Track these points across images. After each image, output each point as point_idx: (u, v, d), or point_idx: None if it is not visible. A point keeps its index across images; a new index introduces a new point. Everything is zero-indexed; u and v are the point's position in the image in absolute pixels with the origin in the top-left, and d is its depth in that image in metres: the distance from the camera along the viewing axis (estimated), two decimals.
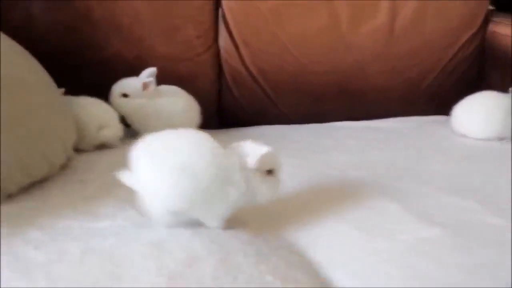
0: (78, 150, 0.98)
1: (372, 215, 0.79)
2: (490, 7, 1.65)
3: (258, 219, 0.75)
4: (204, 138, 0.70)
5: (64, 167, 0.89)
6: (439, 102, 1.45)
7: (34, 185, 0.81)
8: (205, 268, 0.59)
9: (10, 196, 0.76)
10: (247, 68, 1.32)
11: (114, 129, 1.04)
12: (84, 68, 1.15)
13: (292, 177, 0.88)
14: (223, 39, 1.29)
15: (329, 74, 1.37)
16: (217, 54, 1.30)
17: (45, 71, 0.96)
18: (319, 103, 1.39)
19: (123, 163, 0.70)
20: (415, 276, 0.64)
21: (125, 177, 0.69)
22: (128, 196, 0.72)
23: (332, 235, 0.73)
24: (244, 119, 1.36)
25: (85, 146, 1.01)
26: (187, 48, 1.25)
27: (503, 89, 1.40)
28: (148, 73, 1.08)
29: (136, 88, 1.08)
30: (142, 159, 0.67)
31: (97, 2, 1.16)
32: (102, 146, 1.04)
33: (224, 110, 1.36)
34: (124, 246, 0.64)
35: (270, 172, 0.70)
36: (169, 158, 0.66)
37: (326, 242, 0.72)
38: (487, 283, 0.62)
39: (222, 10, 1.28)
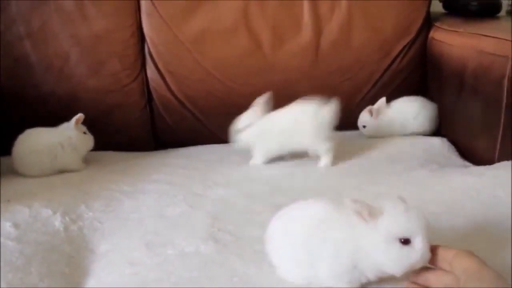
0: None
1: None
2: (443, 10, 1.57)
3: None
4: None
5: None
6: None
7: None
8: None
9: None
10: (175, 96, 1.40)
11: None
12: (25, 105, 1.33)
13: None
14: (150, 70, 1.40)
15: (256, 95, 1.40)
16: (146, 83, 1.40)
17: None
18: None
19: None
20: None
21: None
22: None
23: None
24: (180, 140, 1.44)
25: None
26: (114, 81, 1.36)
27: (442, 102, 1.33)
28: None
29: None
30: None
31: (32, 47, 1.33)
32: None
33: (159, 134, 1.45)
34: None
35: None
36: None
37: None
38: None
39: (146, 42, 1.38)
